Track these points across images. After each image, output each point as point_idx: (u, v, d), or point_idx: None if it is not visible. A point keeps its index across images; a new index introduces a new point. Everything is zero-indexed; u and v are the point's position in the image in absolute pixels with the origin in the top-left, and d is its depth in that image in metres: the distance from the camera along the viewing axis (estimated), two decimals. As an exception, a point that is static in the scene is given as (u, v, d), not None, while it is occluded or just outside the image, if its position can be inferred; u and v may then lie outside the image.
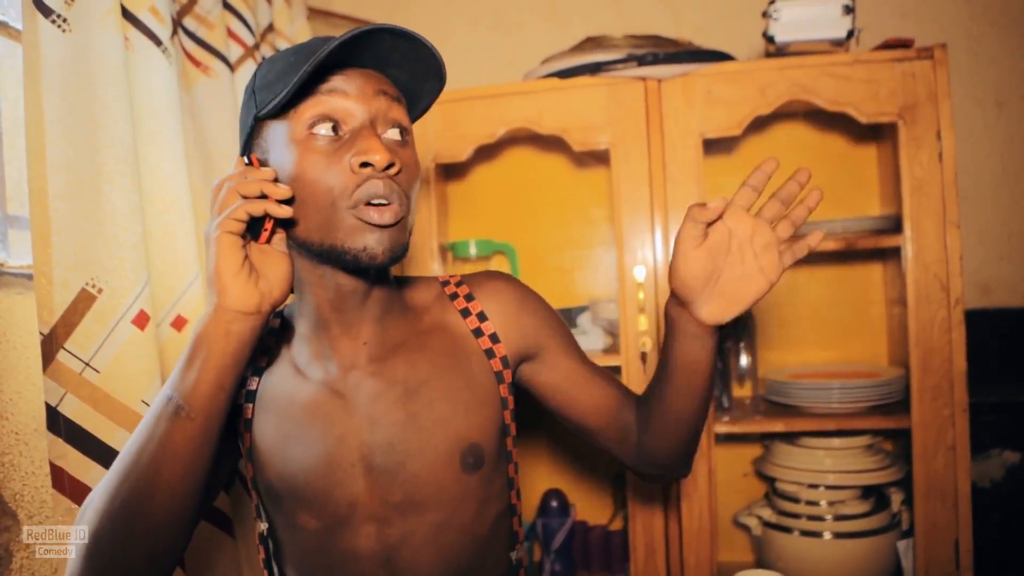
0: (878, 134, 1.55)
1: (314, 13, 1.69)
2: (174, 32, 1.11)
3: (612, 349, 1.49)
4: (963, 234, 1.44)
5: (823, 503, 1.40)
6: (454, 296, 0.85)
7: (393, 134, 0.73)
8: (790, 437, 1.49)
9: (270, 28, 1.47)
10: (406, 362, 0.79)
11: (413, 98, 0.78)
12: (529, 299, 0.87)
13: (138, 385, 0.93)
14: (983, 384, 1.36)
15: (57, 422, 0.85)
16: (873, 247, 1.38)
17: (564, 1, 1.83)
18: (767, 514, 1.46)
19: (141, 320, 0.93)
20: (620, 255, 1.39)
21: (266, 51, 1.44)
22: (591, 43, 1.46)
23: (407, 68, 0.74)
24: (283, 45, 1.48)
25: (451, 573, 0.78)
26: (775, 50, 1.37)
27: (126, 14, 0.99)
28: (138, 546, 0.62)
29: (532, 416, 1.66)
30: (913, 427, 1.29)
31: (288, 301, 0.74)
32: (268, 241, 0.68)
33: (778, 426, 1.40)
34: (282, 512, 0.79)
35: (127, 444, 0.64)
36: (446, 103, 1.40)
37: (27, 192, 0.85)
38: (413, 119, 0.79)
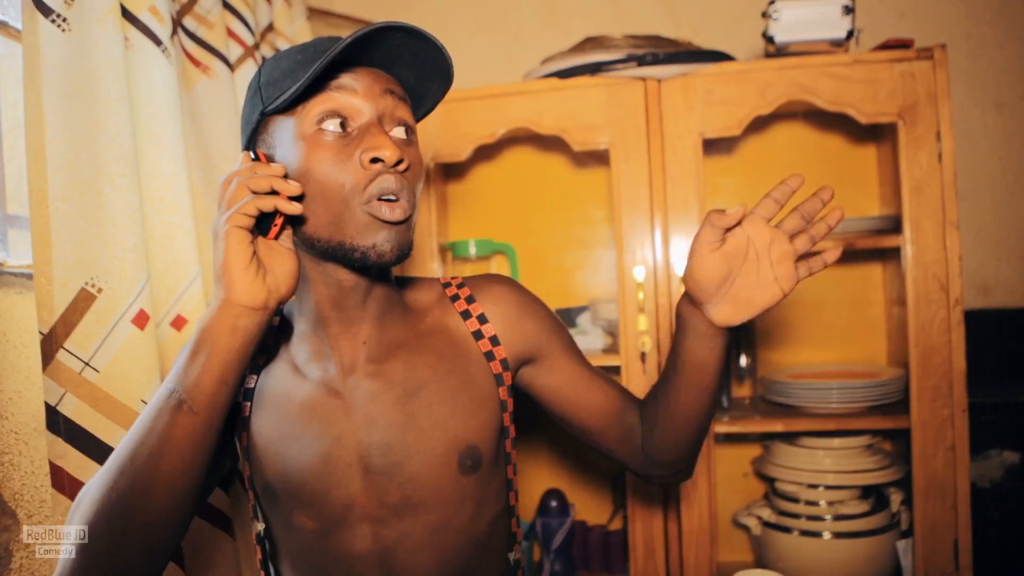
0: (878, 134, 1.56)
1: (314, 13, 1.69)
2: (174, 32, 1.12)
3: (612, 349, 1.49)
4: (962, 234, 1.44)
5: (823, 503, 1.40)
6: (455, 298, 0.85)
7: (399, 133, 0.74)
8: (790, 437, 1.49)
9: (270, 28, 1.47)
10: (405, 363, 0.79)
11: (418, 98, 0.78)
12: (530, 303, 0.87)
13: (138, 385, 0.93)
14: (982, 384, 1.36)
15: (57, 421, 0.86)
16: (873, 247, 1.38)
17: (564, 2, 1.83)
18: (767, 514, 1.46)
19: (141, 320, 0.93)
20: (620, 255, 1.39)
21: (266, 51, 1.44)
22: (591, 43, 1.46)
23: (415, 68, 0.74)
24: (283, 45, 1.48)
25: (448, 575, 0.78)
26: (775, 50, 1.37)
27: (126, 14, 0.99)
28: (134, 540, 0.62)
29: (532, 417, 1.67)
30: (912, 427, 1.29)
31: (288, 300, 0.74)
32: (276, 237, 0.68)
33: (778, 426, 1.40)
34: (279, 512, 0.79)
35: (126, 437, 0.64)
36: (446, 103, 1.38)
37: (27, 192, 0.85)
38: (418, 119, 0.80)
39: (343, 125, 0.70)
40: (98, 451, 0.88)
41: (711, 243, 0.72)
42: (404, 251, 0.71)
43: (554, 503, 1.58)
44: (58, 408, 0.86)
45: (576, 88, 1.40)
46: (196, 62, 1.20)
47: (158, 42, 1.02)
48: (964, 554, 1.27)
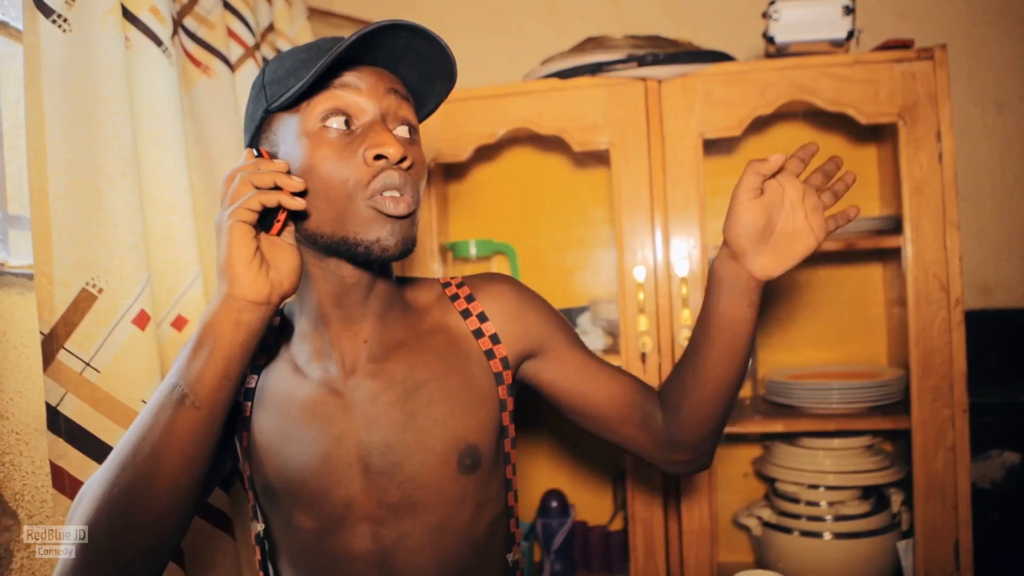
0: (878, 135, 1.56)
1: (314, 13, 1.69)
2: (174, 32, 1.12)
3: (612, 349, 1.49)
4: (963, 235, 1.44)
5: (823, 503, 1.40)
6: (455, 297, 0.85)
7: (402, 131, 0.74)
8: (790, 437, 1.49)
9: (270, 28, 1.47)
10: (405, 363, 0.79)
11: (421, 98, 0.78)
12: (530, 298, 0.87)
13: (138, 385, 0.93)
14: (983, 384, 1.36)
15: (57, 422, 0.85)
16: (873, 248, 1.38)
17: (564, 2, 1.83)
18: (767, 514, 1.46)
19: (141, 320, 0.93)
20: (620, 255, 1.39)
21: (266, 51, 1.44)
22: (591, 43, 1.46)
23: (418, 67, 0.74)
24: (283, 46, 1.48)
25: (447, 575, 0.78)
26: (775, 51, 1.37)
27: (126, 14, 0.99)
28: (134, 537, 0.62)
29: (532, 416, 1.67)
30: (913, 428, 1.29)
31: (288, 299, 0.74)
32: (279, 233, 0.68)
33: (778, 426, 1.40)
34: (278, 511, 0.79)
35: (127, 432, 0.63)
36: (447, 103, 1.37)
37: (27, 192, 0.85)
38: (421, 119, 0.80)
39: (347, 123, 0.71)
40: (99, 451, 0.88)
41: (752, 189, 0.75)
42: (408, 246, 0.71)
43: (554, 503, 1.58)
44: (59, 408, 0.86)
45: (576, 88, 1.40)
46: (196, 62, 1.20)
47: (159, 42, 1.02)
48: (965, 554, 1.27)
